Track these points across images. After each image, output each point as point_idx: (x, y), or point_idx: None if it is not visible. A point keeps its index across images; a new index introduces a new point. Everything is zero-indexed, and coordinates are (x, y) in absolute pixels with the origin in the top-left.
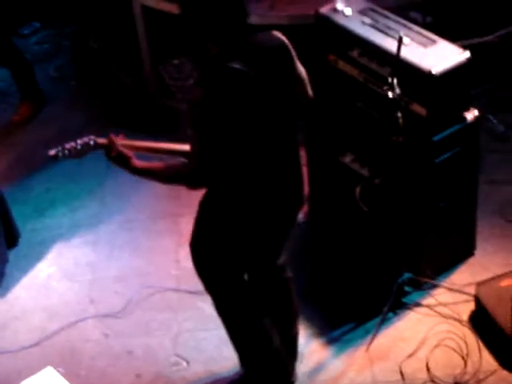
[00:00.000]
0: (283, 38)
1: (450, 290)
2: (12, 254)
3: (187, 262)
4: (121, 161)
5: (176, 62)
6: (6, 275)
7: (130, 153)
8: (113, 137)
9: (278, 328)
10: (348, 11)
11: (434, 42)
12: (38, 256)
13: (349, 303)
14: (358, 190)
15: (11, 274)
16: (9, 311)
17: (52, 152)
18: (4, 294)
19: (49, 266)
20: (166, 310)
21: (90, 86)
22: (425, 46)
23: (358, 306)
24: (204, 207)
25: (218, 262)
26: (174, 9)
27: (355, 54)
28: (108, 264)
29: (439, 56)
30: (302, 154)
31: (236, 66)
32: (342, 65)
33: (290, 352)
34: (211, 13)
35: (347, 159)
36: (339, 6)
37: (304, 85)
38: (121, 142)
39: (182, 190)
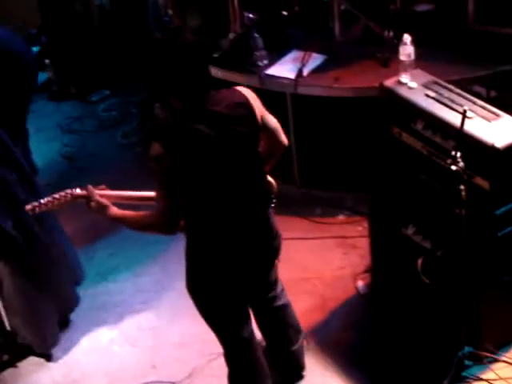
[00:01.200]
0: (246, 93)
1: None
2: (74, 317)
3: None
4: (98, 209)
5: None
6: (66, 338)
7: (106, 202)
8: (90, 188)
9: (278, 348)
10: (412, 84)
11: (497, 116)
12: (99, 320)
13: (408, 376)
14: (419, 262)
15: (72, 337)
16: (69, 375)
17: (28, 207)
18: (65, 358)
19: (111, 330)
20: (225, 377)
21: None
22: (488, 120)
23: (417, 378)
24: (186, 251)
25: (211, 300)
26: (238, 78)
27: (419, 126)
28: (170, 330)
29: (503, 130)
30: (365, 224)
31: (197, 126)
32: (405, 137)
33: (295, 366)
34: (175, 71)
35: (409, 231)
36: (403, 79)
37: (276, 133)
38: (99, 192)
39: None
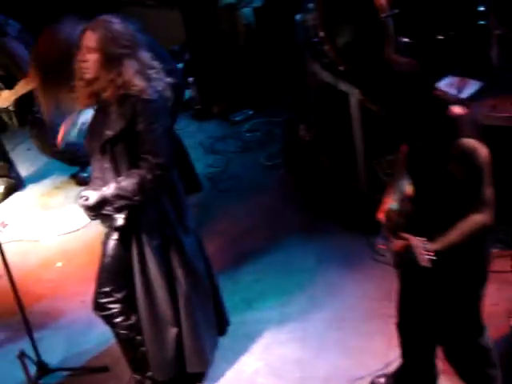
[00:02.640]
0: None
1: None
2: (218, 346)
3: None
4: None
5: (390, 157)
6: (211, 367)
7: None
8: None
9: None
10: None
11: None
12: (244, 349)
13: None
14: None
15: (218, 365)
16: None
17: None
18: None
19: (256, 361)
20: None
21: (299, 176)
22: None
23: None
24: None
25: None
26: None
27: None
28: (316, 363)
29: None
30: None
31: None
32: None
33: None
34: (415, 116)
35: None
36: None
37: None
38: None
39: (394, 292)
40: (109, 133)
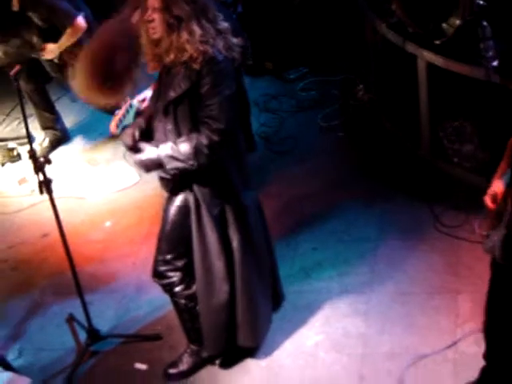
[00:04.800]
0: None
1: None
2: (276, 317)
3: (465, 346)
4: None
5: (456, 124)
6: (268, 339)
7: None
8: None
9: None
10: None
11: None
12: (304, 321)
13: None
14: None
15: (274, 338)
16: (273, 380)
17: None
18: (268, 360)
19: (316, 334)
20: None
21: (358, 138)
22: None
23: None
24: None
25: None
26: (462, 69)
27: None
28: (380, 338)
29: None
30: None
31: None
32: None
33: None
34: None
35: None
36: None
37: None
38: None
39: (461, 266)
40: (173, 94)
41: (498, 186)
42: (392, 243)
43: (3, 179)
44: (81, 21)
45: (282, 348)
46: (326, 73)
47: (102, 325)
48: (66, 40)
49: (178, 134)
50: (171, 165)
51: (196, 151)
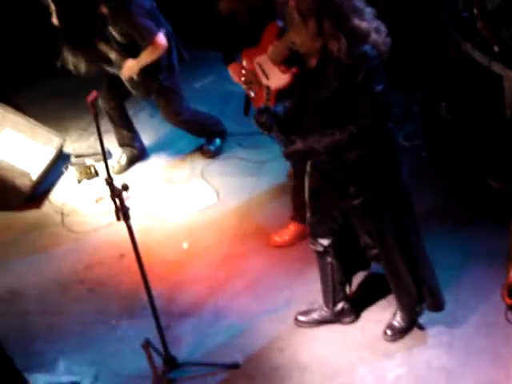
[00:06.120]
0: None
1: None
2: (356, 345)
3: None
4: None
5: None
6: (348, 368)
7: None
8: None
9: None
10: None
11: None
12: (385, 351)
13: None
14: None
15: (355, 367)
16: None
17: None
18: None
19: (398, 366)
20: None
21: (441, 159)
22: None
23: None
24: None
25: None
26: None
27: None
28: (463, 372)
29: None
30: None
31: None
32: None
33: None
34: None
35: None
36: None
37: None
38: None
39: None
40: (326, 92)
41: None
42: (476, 272)
43: (80, 197)
44: (161, 38)
45: (363, 379)
46: (407, 89)
47: (179, 350)
48: (145, 57)
49: (328, 128)
50: (308, 155)
51: (335, 145)
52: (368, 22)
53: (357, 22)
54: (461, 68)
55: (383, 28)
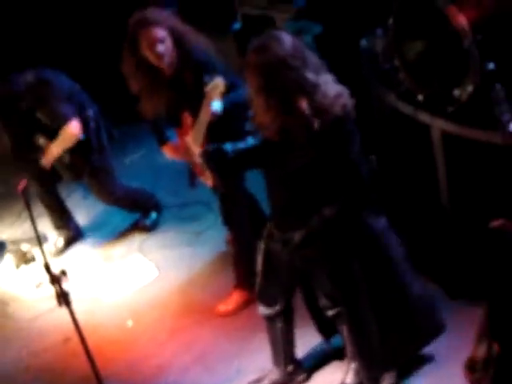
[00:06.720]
0: None
1: None
2: None
3: None
4: None
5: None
6: None
7: None
8: None
9: None
10: None
11: None
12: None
13: None
14: None
15: None
16: None
17: None
18: None
19: None
20: None
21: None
22: None
23: None
24: None
25: None
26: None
27: None
28: None
29: None
30: None
31: None
32: None
33: None
34: None
35: None
36: None
37: None
38: None
39: None
40: (297, 163)
41: None
42: None
43: (19, 283)
44: (73, 126)
45: None
46: None
47: None
48: (60, 143)
49: (297, 201)
50: None
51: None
52: (329, 93)
53: (319, 96)
54: (386, 121)
55: (345, 90)
